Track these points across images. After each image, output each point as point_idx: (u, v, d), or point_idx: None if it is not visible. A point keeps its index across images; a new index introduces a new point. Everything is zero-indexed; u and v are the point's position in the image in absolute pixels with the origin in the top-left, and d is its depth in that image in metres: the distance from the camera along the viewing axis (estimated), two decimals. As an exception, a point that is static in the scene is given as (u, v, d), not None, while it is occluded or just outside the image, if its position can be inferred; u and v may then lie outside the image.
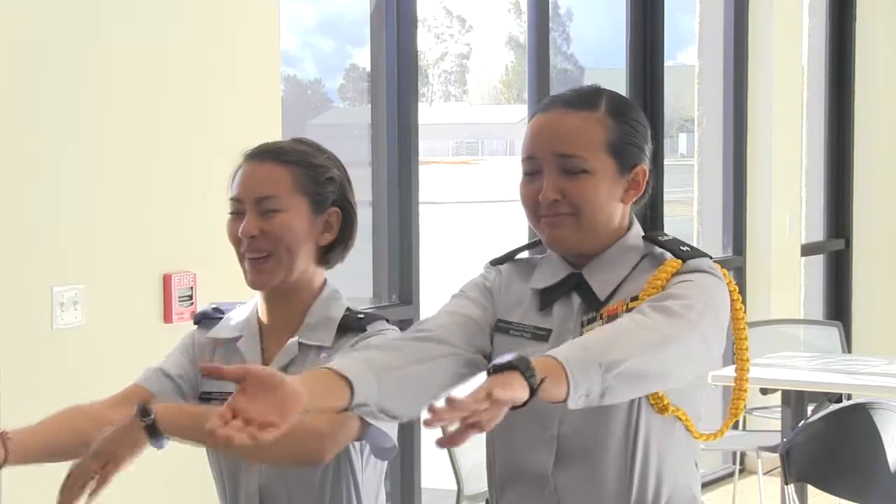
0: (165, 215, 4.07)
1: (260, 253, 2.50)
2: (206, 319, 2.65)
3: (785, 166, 7.56)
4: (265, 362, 2.54)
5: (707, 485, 6.90)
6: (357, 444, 2.48)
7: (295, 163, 2.54)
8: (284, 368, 2.50)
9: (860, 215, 8.50)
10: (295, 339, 2.50)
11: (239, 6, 4.31)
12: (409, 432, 5.24)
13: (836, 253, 8.49)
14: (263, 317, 2.58)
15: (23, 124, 3.71)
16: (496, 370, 1.90)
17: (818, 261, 8.43)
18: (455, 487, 4.45)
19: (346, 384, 2.06)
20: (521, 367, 1.90)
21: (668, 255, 2.31)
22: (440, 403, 1.83)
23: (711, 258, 2.33)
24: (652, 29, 6.71)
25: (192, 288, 4.12)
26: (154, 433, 2.35)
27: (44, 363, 3.76)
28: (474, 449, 4.27)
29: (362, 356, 2.15)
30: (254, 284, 2.53)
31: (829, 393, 5.64)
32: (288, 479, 2.50)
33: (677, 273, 2.26)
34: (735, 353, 2.38)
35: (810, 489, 4.67)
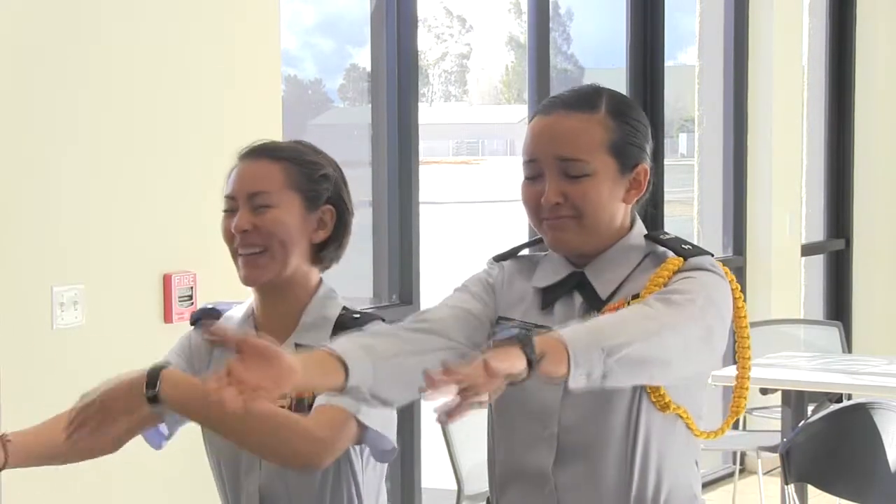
0: (165, 215, 4.07)
1: (253, 248, 2.50)
2: (204, 320, 2.65)
3: (785, 166, 7.56)
4: None
5: (707, 485, 6.89)
6: (357, 446, 2.48)
7: (287, 159, 2.55)
8: None
9: (860, 215, 8.50)
10: (291, 338, 2.50)
11: (239, 6, 4.30)
12: (409, 432, 5.23)
13: (836, 253, 8.49)
14: (259, 316, 2.57)
15: (23, 124, 3.71)
16: (497, 344, 1.91)
17: (818, 261, 8.43)
18: (455, 487, 4.45)
19: (342, 366, 2.08)
20: (521, 341, 1.91)
21: (671, 253, 2.31)
22: (437, 373, 1.83)
23: (713, 256, 2.34)
24: (652, 29, 6.71)
25: (192, 288, 4.12)
26: (155, 401, 2.34)
27: (44, 363, 3.75)
28: (474, 449, 4.29)
29: (360, 341, 2.16)
30: (246, 280, 2.53)
31: (829, 393, 5.64)
32: (288, 480, 2.50)
33: (679, 271, 2.27)
34: (737, 351, 2.38)
35: (810, 489, 4.67)
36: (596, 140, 2.29)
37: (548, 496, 2.33)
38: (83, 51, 3.85)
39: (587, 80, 5.15)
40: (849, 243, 8.49)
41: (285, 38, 4.74)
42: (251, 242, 2.50)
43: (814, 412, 5.03)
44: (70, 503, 3.80)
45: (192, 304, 4.08)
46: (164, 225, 4.07)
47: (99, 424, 2.34)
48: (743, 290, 2.50)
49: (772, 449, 5.74)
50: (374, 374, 2.12)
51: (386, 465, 2.58)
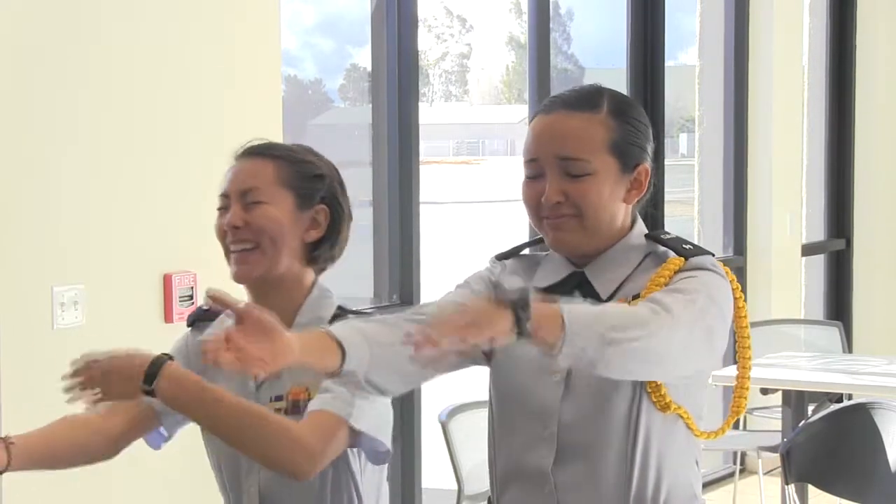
0: (166, 215, 4.07)
1: (244, 244, 2.51)
2: (200, 321, 2.65)
3: (785, 166, 7.56)
4: None
5: (708, 484, 6.89)
6: (353, 449, 2.48)
7: (281, 157, 2.55)
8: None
9: (861, 215, 8.50)
10: None
11: (239, 6, 4.30)
12: (409, 432, 5.23)
13: (836, 253, 8.49)
14: None
15: (23, 124, 3.71)
16: (497, 298, 1.94)
17: (819, 261, 8.43)
18: (455, 487, 4.45)
19: (340, 349, 2.08)
20: (517, 309, 1.93)
21: (671, 253, 2.31)
22: (415, 334, 1.90)
23: (714, 256, 2.33)
24: (652, 29, 6.70)
25: (192, 288, 4.12)
26: (150, 394, 2.34)
27: (44, 363, 3.75)
28: (474, 449, 4.29)
29: (359, 326, 2.16)
30: (236, 276, 2.53)
31: (829, 393, 5.64)
32: (288, 480, 2.50)
33: (680, 271, 2.27)
34: (737, 351, 2.38)
35: (811, 489, 4.67)
36: (597, 139, 2.29)
37: (547, 496, 2.33)
38: (83, 51, 3.85)
39: (587, 80, 5.14)
40: (849, 243, 8.49)
41: (285, 37, 4.74)
42: (242, 238, 2.51)
43: (814, 412, 5.03)
44: (70, 503, 3.80)
45: (193, 303, 4.08)
46: (165, 225, 4.07)
47: (100, 393, 2.34)
48: (743, 290, 2.50)
49: (772, 449, 5.74)
50: (371, 360, 2.13)
51: (385, 465, 2.58)
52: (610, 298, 2.30)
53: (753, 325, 6.10)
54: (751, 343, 2.40)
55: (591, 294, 2.31)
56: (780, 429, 5.71)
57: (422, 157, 5.34)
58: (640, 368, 2.13)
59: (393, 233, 5.24)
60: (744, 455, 6.86)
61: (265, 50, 4.40)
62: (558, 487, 2.32)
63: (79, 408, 2.40)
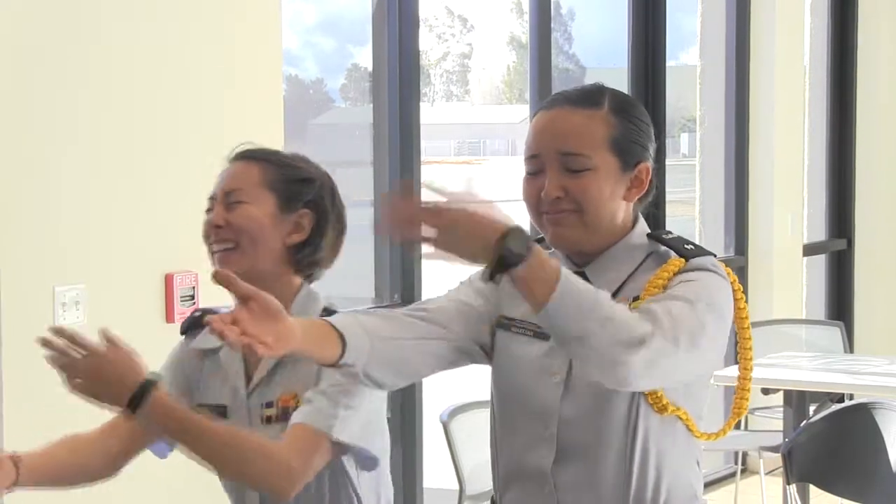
0: (167, 215, 4.07)
1: (225, 244, 2.53)
2: (193, 329, 2.66)
3: (787, 166, 7.55)
4: (248, 371, 2.56)
5: (709, 485, 6.89)
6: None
7: (266, 160, 2.58)
8: (271, 374, 2.52)
9: (862, 215, 8.49)
10: None
11: (240, 6, 4.30)
12: (410, 432, 5.23)
13: (837, 253, 8.49)
14: None
15: (23, 124, 3.70)
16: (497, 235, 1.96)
17: (820, 261, 8.42)
18: (457, 487, 4.45)
19: (341, 341, 2.09)
20: (507, 248, 1.98)
21: (673, 253, 2.30)
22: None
23: (715, 256, 2.33)
24: (654, 29, 6.70)
25: (193, 288, 4.12)
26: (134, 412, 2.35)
27: (46, 363, 3.74)
28: (476, 449, 4.29)
29: (361, 319, 2.17)
30: (216, 274, 2.53)
31: (830, 393, 5.64)
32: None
33: (680, 272, 2.26)
34: (738, 352, 2.38)
35: (812, 489, 4.67)
36: (598, 136, 2.29)
37: (547, 496, 2.32)
38: (83, 51, 3.84)
39: (589, 80, 5.14)
40: (850, 243, 8.49)
41: (286, 37, 4.73)
42: (223, 238, 2.53)
43: (815, 412, 5.03)
44: None
45: (194, 303, 4.07)
46: (166, 225, 4.07)
47: (81, 385, 2.34)
48: (744, 291, 2.49)
49: (773, 449, 5.73)
50: (371, 353, 2.14)
51: (385, 467, 2.58)
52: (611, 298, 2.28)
53: (754, 325, 6.11)
54: (752, 345, 2.39)
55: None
56: (781, 429, 5.70)
57: (423, 157, 5.34)
58: (608, 373, 2.11)
59: (394, 232, 5.23)
60: (745, 455, 6.86)
61: (266, 49, 4.40)
62: (558, 487, 2.31)
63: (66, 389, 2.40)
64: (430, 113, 6.83)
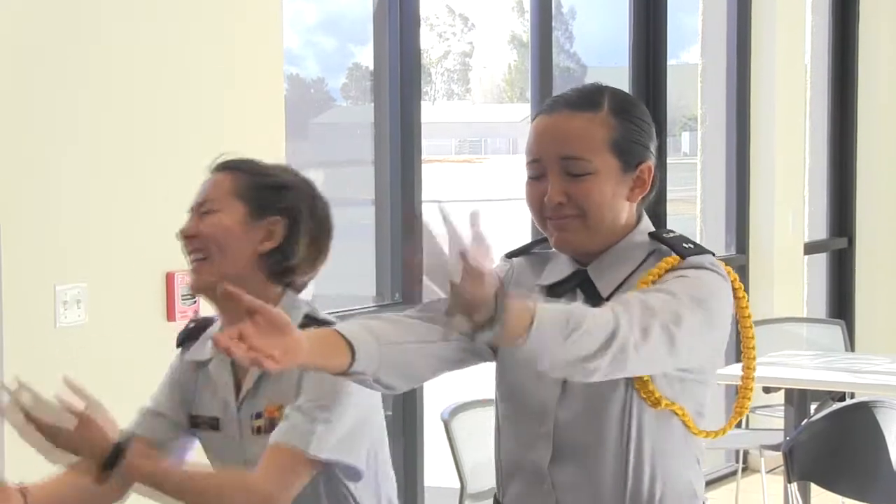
0: (167, 214, 4.05)
1: (197, 254, 2.55)
2: (188, 341, 2.67)
3: (788, 164, 7.55)
4: (237, 383, 2.57)
5: (710, 483, 6.89)
6: None
7: (240, 170, 2.59)
8: (256, 385, 2.52)
9: (863, 213, 8.49)
10: None
11: (240, 5, 4.30)
12: (412, 431, 5.23)
13: (839, 251, 8.48)
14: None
15: (23, 124, 3.70)
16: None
17: (821, 259, 8.42)
18: (458, 486, 4.45)
19: (349, 349, 2.08)
20: (484, 333, 1.96)
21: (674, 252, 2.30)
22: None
23: (714, 255, 2.32)
24: (655, 27, 6.70)
25: (194, 287, 4.12)
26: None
27: (47, 362, 3.75)
28: (477, 447, 4.29)
29: (368, 324, 2.17)
30: (192, 286, 2.58)
31: (831, 391, 5.64)
32: None
33: (674, 269, 2.25)
34: (742, 351, 2.37)
35: (813, 487, 4.67)
36: (598, 139, 2.29)
37: (545, 493, 2.33)
38: (83, 51, 3.84)
39: (590, 79, 5.13)
40: (851, 241, 8.48)
41: (287, 36, 4.73)
42: (195, 248, 2.56)
43: (817, 411, 5.04)
44: None
45: (195, 302, 4.07)
46: (166, 224, 4.05)
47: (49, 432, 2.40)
48: (746, 289, 2.49)
49: (775, 447, 5.73)
50: (380, 358, 2.13)
51: (384, 464, 2.58)
52: (611, 297, 2.29)
53: (756, 323, 6.08)
54: (755, 343, 2.39)
55: (592, 292, 2.31)
56: (782, 427, 5.70)
57: (424, 156, 5.34)
58: (573, 376, 2.13)
59: (395, 232, 5.24)
60: (746, 453, 6.86)
61: (267, 49, 4.40)
62: (556, 486, 2.32)
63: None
64: (431, 111, 6.83)
